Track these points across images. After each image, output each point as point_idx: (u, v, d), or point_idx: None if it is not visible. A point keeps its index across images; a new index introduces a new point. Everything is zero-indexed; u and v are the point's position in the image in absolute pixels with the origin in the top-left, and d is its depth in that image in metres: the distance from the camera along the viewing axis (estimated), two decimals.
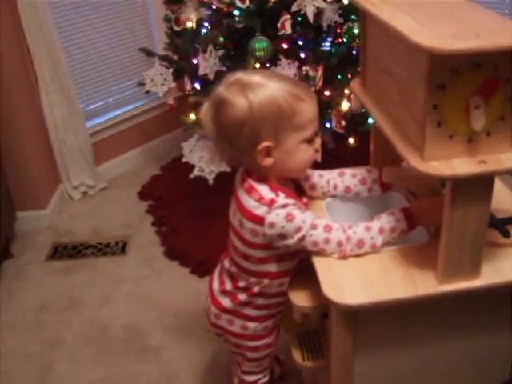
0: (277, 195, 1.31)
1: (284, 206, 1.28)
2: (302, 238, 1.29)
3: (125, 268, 2.72)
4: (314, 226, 1.28)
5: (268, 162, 1.29)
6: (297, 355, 1.52)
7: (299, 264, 1.47)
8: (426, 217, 1.34)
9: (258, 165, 1.31)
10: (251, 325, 1.54)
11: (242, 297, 1.50)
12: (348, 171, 1.57)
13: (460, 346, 1.36)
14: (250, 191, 1.32)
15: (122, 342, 2.29)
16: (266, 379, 1.74)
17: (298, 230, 1.28)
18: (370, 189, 1.55)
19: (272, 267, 1.40)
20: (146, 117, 3.65)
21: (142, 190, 3.38)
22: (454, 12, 1.23)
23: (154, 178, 3.51)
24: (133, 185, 3.45)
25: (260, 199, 1.30)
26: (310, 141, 1.32)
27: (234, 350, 1.65)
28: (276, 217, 1.27)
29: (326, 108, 2.54)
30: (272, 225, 1.28)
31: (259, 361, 1.65)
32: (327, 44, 2.66)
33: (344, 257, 1.31)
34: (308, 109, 1.29)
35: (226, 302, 1.53)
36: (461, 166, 1.11)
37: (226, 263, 1.54)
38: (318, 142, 1.36)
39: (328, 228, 1.29)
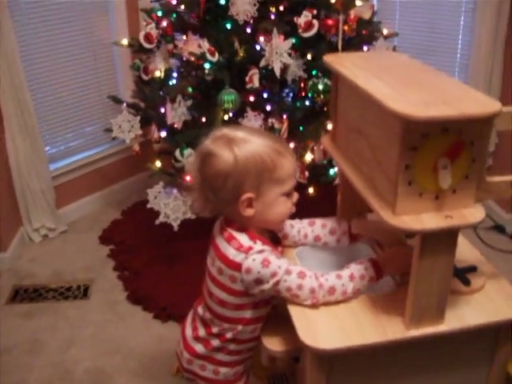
0: (255, 243, 1.38)
1: (260, 251, 1.35)
2: (277, 283, 1.35)
3: (87, 312, 2.71)
4: (288, 272, 1.35)
5: (249, 212, 1.37)
6: None
7: (272, 310, 1.53)
8: (392, 266, 1.45)
9: (239, 215, 1.38)
10: (223, 370, 1.57)
11: (215, 343, 1.53)
12: (318, 221, 1.66)
13: None
14: (230, 240, 1.40)
15: None
16: None
17: (274, 275, 1.34)
18: (339, 239, 1.64)
19: (247, 314, 1.46)
20: (107, 161, 3.69)
21: (102, 234, 3.39)
22: (421, 78, 1.36)
23: (115, 222, 3.52)
24: (93, 229, 3.45)
25: (239, 247, 1.37)
26: (288, 194, 1.42)
27: None
28: (252, 262, 1.34)
29: None
30: (249, 270, 1.35)
31: None
32: (290, 97, 2.78)
33: (316, 304, 1.38)
34: (288, 164, 1.39)
35: (198, 347, 1.57)
36: (429, 220, 1.21)
37: (200, 309, 1.58)
38: (295, 196, 1.47)
39: (302, 274, 1.36)
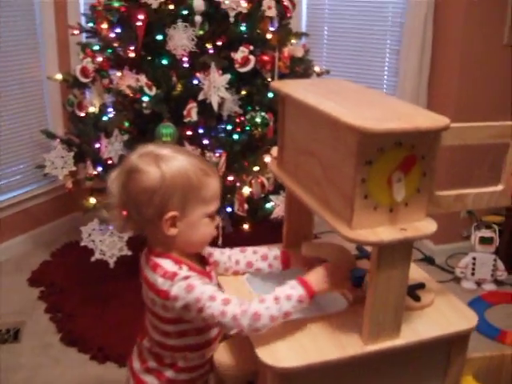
0: (180, 268, 1.34)
1: (185, 277, 1.31)
2: (201, 310, 1.30)
3: (19, 356, 2.59)
4: (212, 298, 1.29)
5: (172, 232, 1.33)
6: None
7: (220, 333, 1.51)
8: (324, 281, 1.40)
9: (161, 235, 1.34)
10: None
11: (168, 373, 1.48)
12: (249, 248, 1.64)
13: None
14: (155, 268, 1.35)
15: None
16: None
17: (197, 300, 1.29)
18: (271, 265, 1.61)
19: (192, 340, 1.43)
20: (36, 201, 3.59)
21: (32, 276, 3.27)
22: (371, 99, 1.41)
23: (45, 263, 3.41)
24: (22, 270, 3.32)
25: (164, 274, 1.33)
26: (212, 216, 1.39)
27: None
28: (178, 289, 1.30)
29: (227, 193, 2.65)
30: (175, 298, 1.30)
31: None
32: (225, 132, 2.80)
33: (242, 333, 1.32)
34: (213, 184, 1.37)
35: (150, 379, 1.50)
36: (385, 233, 1.24)
37: (146, 343, 1.52)
38: (217, 219, 1.45)
39: (226, 301, 1.30)
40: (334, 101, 1.35)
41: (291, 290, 1.34)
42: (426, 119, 1.22)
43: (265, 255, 1.62)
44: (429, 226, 1.28)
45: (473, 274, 3.25)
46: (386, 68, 3.66)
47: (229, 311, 1.29)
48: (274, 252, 1.62)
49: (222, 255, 1.60)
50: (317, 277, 1.40)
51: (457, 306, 1.51)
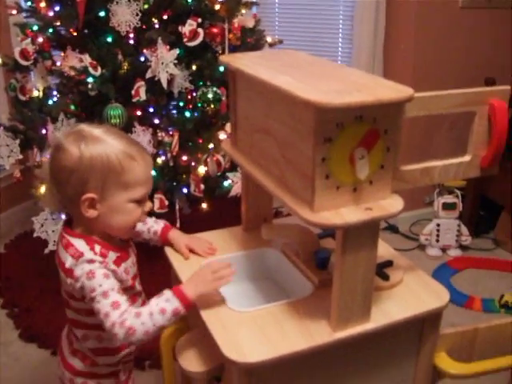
0: (91, 249, 1.33)
1: (89, 261, 1.30)
2: (92, 300, 1.28)
3: None
4: (104, 295, 1.28)
5: (91, 213, 1.32)
6: None
7: (183, 324, 1.48)
8: (196, 285, 1.35)
9: (81, 215, 1.32)
10: (106, 382, 1.50)
11: (90, 355, 1.46)
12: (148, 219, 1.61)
13: None
14: (67, 247, 1.34)
15: None
16: None
17: (92, 290, 1.28)
18: (151, 239, 1.62)
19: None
20: None
21: None
22: (327, 71, 1.32)
23: None
24: None
25: (74, 254, 1.32)
26: (139, 202, 1.36)
27: None
28: (80, 271, 1.29)
29: (182, 173, 2.55)
30: (76, 278, 1.29)
31: None
32: (177, 110, 2.69)
33: (116, 340, 1.29)
34: (139, 169, 1.33)
35: (77, 363, 1.48)
36: (349, 214, 1.16)
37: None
38: (148, 205, 1.41)
39: (115, 305, 1.28)
40: (289, 74, 1.25)
41: (166, 304, 1.31)
42: (388, 90, 1.14)
43: (148, 229, 1.62)
44: (395, 204, 1.21)
45: (437, 240, 3.22)
46: (340, 35, 3.58)
47: (111, 316, 1.27)
48: (155, 228, 1.62)
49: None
50: (191, 282, 1.37)
51: (427, 282, 1.46)
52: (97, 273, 1.28)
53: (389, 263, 1.49)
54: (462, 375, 1.47)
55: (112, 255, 1.36)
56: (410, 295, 1.40)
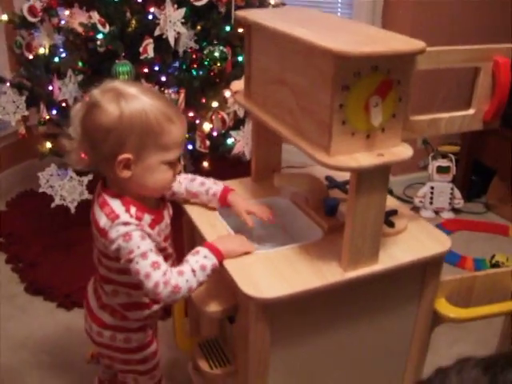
0: (126, 210, 1.33)
1: (125, 223, 1.30)
2: (130, 261, 1.29)
3: None
4: (143, 256, 1.29)
5: (126, 174, 1.31)
6: (204, 365, 1.51)
7: None
8: (229, 245, 1.39)
9: (115, 175, 1.32)
10: (134, 336, 1.54)
11: (119, 309, 1.50)
12: (199, 179, 1.62)
13: (368, 326, 1.48)
14: (103, 206, 1.34)
15: None
16: None
17: (130, 252, 1.28)
18: (210, 200, 1.60)
19: (132, 278, 1.39)
20: None
21: None
22: (342, 25, 1.38)
23: (1, 214, 3.31)
24: None
25: (109, 214, 1.32)
26: (171, 164, 1.36)
27: (124, 368, 1.62)
28: (116, 233, 1.29)
29: (188, 130, 2.60)
30: (111, 241, 1.30)
31: (151, 372, 1.64)
32: (181, 69, 2.74)
33: (159, 301, 1.36)
34: (176, 131, 1.33)
35: (106, 317, 1.52)
36: (363, 158, 1.24)
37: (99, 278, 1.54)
38: (179, 167, 1.41)
39: (156, 265, 1.29)
40: (306, 27, 1.31)
41: (205, 260, 1.33)
42: (402, 43, 1.21)
43: (207, 190, 1.60)
44: (405, 151, 1.28)
45: (431, 203, 3.31)
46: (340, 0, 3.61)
47: (153, 276, 1.28)
48: (214, 189, 1.59)
49: (180, 187, 1.59)
50: (225, 241, 1.40)
51: (429, 230, 1.54)
52: (133, 234, 1.28)
53: (394, 212, 1.56)
54: (460, 319, 1.56)
55: (147, 218, 1.37)
56: (414, 241, 1.48)
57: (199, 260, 1.33)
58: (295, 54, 1.32)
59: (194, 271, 1.31)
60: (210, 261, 1.34)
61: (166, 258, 1.41)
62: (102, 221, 1.32)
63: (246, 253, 1.40)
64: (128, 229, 1.29)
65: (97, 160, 1.34)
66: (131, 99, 1.28)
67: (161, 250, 1.40)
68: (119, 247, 1.29)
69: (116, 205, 1.33)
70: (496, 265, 2.81)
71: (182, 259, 1.39)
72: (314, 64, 1.25)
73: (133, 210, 1.34)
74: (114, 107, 1.27)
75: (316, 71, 1.24)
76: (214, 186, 1.60)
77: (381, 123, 1.23)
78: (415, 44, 1.19)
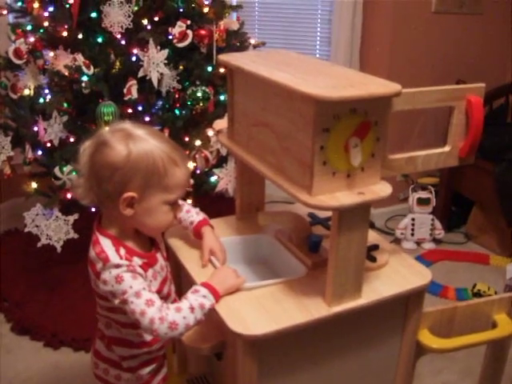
0: (116, 250, 1.35)
1: (117, 266, 1.31)
2: (124, 302, 1.30)
3: None
4: (137, 295, 1.30)
5: (128, 212, 1.33)
6: None
7: None
8: (223, 284, 1.43)
9: (117, 212, 1.34)
10: (124, 376, 1.53)
11: (111, 341, 1.51)
12: (186, 207, 1.67)
13: (354, 359, 1.51)
14: (95, 243, 1.37)
15: None
16: None
17: (123, 293, 1.30)
18: (186, 227, 1.66)
19: (121, 317, 1.43)
20: None
21: None
22: (320, 68, 1.44)
23: None
24: None
25: (99, 253, 1.34)
26: (172, 204, 1.39)
27: None
28: (108, 275, 1.31)
29: None
30: (105, 282, 1.32)
31: None
32: (164, 109, 2.78)
33: (157, 338, 1.38)
34: (179, 174, 1.37)
35: (102, 348, 1.53)
36: (344, 197, 1.28)
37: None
38: (180, 208, 1.46)
39: (150, 302, 1.30)
40: (285, 71, 1.37)
41: (204, 299, 1.36)
42: (379, 86, 1.26)
43: (188, 218, 1.66)
44: (384, 189, 1.34)
45: (412, 234, 3.37)
46: (318, 37, 3.71)
47: (148, 313, 1.29)
48: (193, 219, 1.65)
49: None
50: (220, 281, 1.43)
51: (410, 263, 1.59)
52: (125, 276, 1.30)
53: (375, 247, 1.61)
54: (442, 349, 1.61)
55: (137, 260, 1.37)
56: (396, 275, 1.52)
57: (198, 299, 1.35)
58: (276, 97, 1.37)
59: (192, 308, 1.33)
60: (209, 301, 1.36)
61: (163, 300, 1.41)
62: (93, 259, 1.35)
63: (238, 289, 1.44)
64: (119, 271, 1.31)
65: (101, 197, 1.36)
66: (139, 140, 1.32)
67: (158, 293, 1.41)
68: (113, 289, 1.31)
69: (106, 244, 1.35)
70: (478, 294, 2.86)
71: None
72: (294, 107, 1.30)
73: (122, 251, 1.36)
74: (123, 147, 1.31)
75: (297, 114, 1.29)
76: (196, 215, 1.65)
77: (360, 163, 1.28)
78: (391, 87, 1.25)
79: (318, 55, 3.72)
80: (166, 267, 1.51)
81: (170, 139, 1.46)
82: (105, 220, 1.42)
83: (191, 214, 1.65)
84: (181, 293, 1.47)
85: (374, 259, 1.55)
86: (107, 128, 1.38)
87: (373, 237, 1.69)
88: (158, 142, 1.35)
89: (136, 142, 1.32)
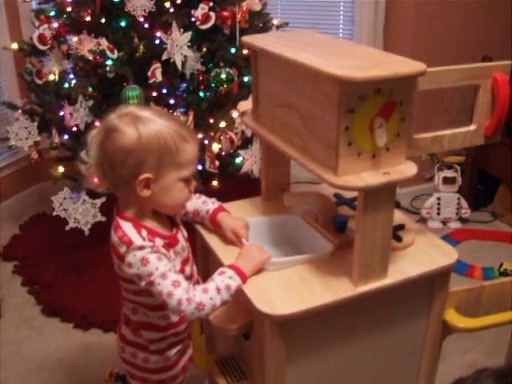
0: (138, 233, 1.36)
1: (140, 247, 1.33)
2: (151, 284, 1.32)
3: (2, 331, 2.58)
4: (163, 276, 1.32)
5: (146, 193, 1.35)
6: (221, 381, 1.56)
7: None
8: (249, 264, 1.44)
9: (134, 195, 1.36)
10: (152, 358, 1.57)
11: (137, 325, 1.54)
12: (202, 198, 1.67)
13: (380, 338, 1.52)
14: (116, 228, 1.38)
15: None
16: None
17: (149, 275, 1.32)
18: (203, 218, 1.65)
19: (148, 299, 1.46)
20: None
21: (3, 251, 3.23)
22: (344, 49, 1.43)
23: (15, 237, 3.37)
24: None
25: (122, 237, 1.36)
26: (187, 181, 1.41)
27: None
28: (133, 258, 1.33)
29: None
30: (130, 265, 1.34)
31: None
32: (188, 91, 2.80)
33: (183, 320, 1.41)
34: (190, 150, 1.38)
35: (128, 334, 1.57)
36: (369, 178, 1.28)
37: None
38: (193, 184, 1.47)
39: (176, 283, 1.33)
40: (310, 52, 1.36)
41: (230, 280, 1.37)
42: (403, 65, 1.25)
43: (205, 208, 1.64)
44: (410, 169, 1.33)
45: (438, 213, 3.35)
46: (342, 17, 3.67)
47: (176, 294, 1.31)
48: (208, 207, 1.64)
49: (190, 206, 1.64)
50: (247, 261, 1.44)
51: (436, 243, 1.58)
52: (150, 258, 1.32)
53: (401, 226, 1.61)
54: (469, 329, 1.60)
55: (159, 241, 1.39)
56: (422, 254, 1.52)
57: (225, 280, 1.37)
58: (301, 78, 1.37)
59: (218, 289, 1.35)
60: (235, 282, 1.38)
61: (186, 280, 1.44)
62: (116, 243, 1.37)
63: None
64: (144, 253, 1.33)
65: (116, 182, 1.38)
66: (147, 122, 1.33)
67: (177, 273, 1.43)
68: (138, 272, 1.33)
69: (127, 227, 1.37)
70: (504, 273, 2.85)
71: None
72: (319, 88, 1.30)
73: (144, 232, 1.37)
74: (133, 130, 1.32)
75: (321, 95, 1.29)
76: (211, 204, 1.65)
77: (385, 143, 1.28)
78: (416, 66, 1.24)
79: (341, 35, 3.69)
80: (188, 248, 1.54)
81: (174, 116, 1.46)
82: (122, 204, 1.43)
83: (207, 204, 1.65)
84: (209, 276, 1.49)
85: (399, 239, 1.55)
86: (112, 114, 1.38)
87: (398, 217, 1.69)
88: (165, 121, 1.36)
89: (144, 123, 1.33)
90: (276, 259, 1.48)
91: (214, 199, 1.67)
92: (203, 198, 1.66)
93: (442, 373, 1.75)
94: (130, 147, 1.31)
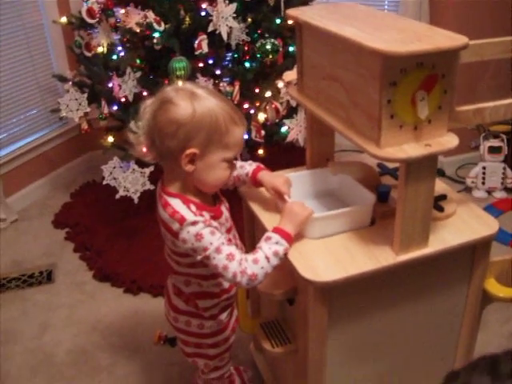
0: (187, 208, 1.40)
1: (194, 223, 1.37)
2: (206, 258, 1.38)
3: (56, 295, 2.71)
4: (218, 250, 1.37)
5: (189, 168, 1.39)
6: (266, 345, 1.63)
7: None
8: (295, 222, 1.47)
9: (178, 168, 1.40)
10: (207, 323, 1.65)
11: (190, 296, 1.61)
12: (239, 163, 1.69)
13: (420, 306, 1.57)
14: (165, 206, 1.42)
15: (71, 366, 2.29)
16: (229, 372, 1.85)
17: (205, 250, 1.37)
18: (244, 181, 1.69)
19: (202, 270, 1.52)
20: (51, 145, 3.64)
21: (55, 219, 3.36)
22: (388, 22, 1.45)
23: (66, 205, 3.49)
24: (44, 214, 3.41)
25: (172, 214, 1.39)
26: (230, 162, 1.44)
27: (196, 351, 1.73)
28: (187, 234, 1.37)
29: None
30: (184, 241, 1.38)
31: (221, 355, 1.76)
32: (234, 61, 2.83)
33: (241, 287, 1.45)
34: (238, 133, 1.42)
35: (180, 304, 1.64)
36: (411, 149, 1.31)
37: None
38: (235, 166, 1.51)
39: (231, 257, 1.38)
40: (353, 26, 1.39)
41: (277, 246, 1.42)
42: (446, 39, 1.27)
43: (244, 172, 1.68)
44: (451, 141, 1.36)
45: (483, 183, 3.34)
46: None
47: (230, 267, 1.37)
48: (248, 170, 1.68)
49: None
50: (290, 221, 1.47)
51: (478, 213, 1.60)
52: (204, 233, 1.36)
53: (443, 197, 1.63)
54: (509, 298, 1.62)
55: (206, 215, 1.42)
56: (463, 224, 1.55)
57: (272, 247, 1.41)
58: (344, 52, 1.40)
59: (267, 258, 1.40)
60: (282, 246, 1.42)
61: None
62: (168, 221, 1.40)
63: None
64: (197, 228, 1.37)
65: (163, 153, 1.41)
66: (202, 99, 1.37)
67: None
68: (193, 247, 1.38)
69: (177, 204, 1.41)
70: None
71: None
72: (362, 62, 1.33)
73: (193, 207, 1.41)
74: (188, 104, 1.35)
75: (364, 69, 1.32)
76: (249, 167, 1.68)
77: (427, 115, 1.30)
78: (458, 40, 1.26)
79: (386, 6, 3.65)
80: (230, 217, 1.59)
81: (229, 99, 1.49)
82: (167, 178, 1.48)
83: (245, 167, 1.68)
84: (255, 240, 1.54)
85: (441, 209, 1.58)
86: (169, 87, 1.42)
87: (441, 187, 1.72)
88: (219, 101, 1.40)
89: (200, 100, 1.37)
90: (318, 214, 1.51)
91: (250, 161, 1.71)
92: (239, 163, 1.70)
93: (481, 342, 1.78)
94: (182, 120, 1.34)
